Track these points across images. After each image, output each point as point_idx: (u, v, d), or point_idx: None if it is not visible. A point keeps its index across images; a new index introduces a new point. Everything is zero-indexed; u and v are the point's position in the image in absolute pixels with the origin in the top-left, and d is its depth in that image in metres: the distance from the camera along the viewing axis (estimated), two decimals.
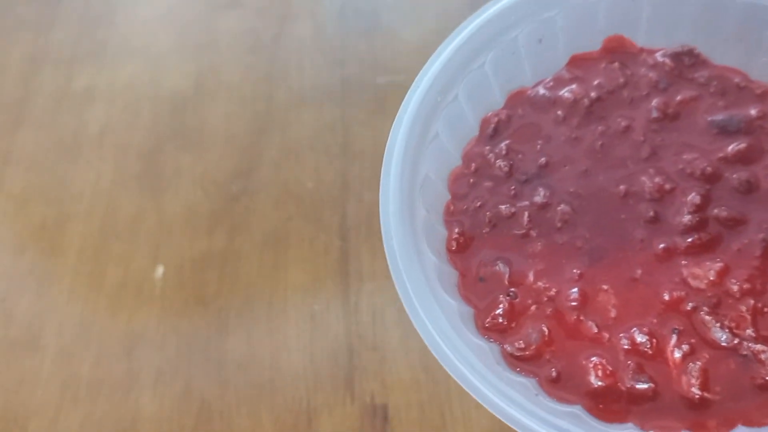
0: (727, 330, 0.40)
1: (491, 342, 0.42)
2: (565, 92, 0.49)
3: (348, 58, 0.72)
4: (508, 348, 0.42)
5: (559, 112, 0.48)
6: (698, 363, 0.40)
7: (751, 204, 0.43)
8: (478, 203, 0.46)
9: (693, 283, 0.42)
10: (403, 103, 0.45)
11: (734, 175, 0.44)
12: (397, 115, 0.45)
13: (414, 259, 0.41)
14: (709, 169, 0.44)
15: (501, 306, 0.43)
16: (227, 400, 0.56)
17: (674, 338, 0.40)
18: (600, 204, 0.45)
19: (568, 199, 0.45)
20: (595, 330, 0.41)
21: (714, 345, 0.40)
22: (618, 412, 0.39)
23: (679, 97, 0.48)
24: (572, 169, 0.46)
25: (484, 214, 0.46)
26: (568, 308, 0.42)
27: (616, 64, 0.49)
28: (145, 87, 0.73)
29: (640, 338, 0.40)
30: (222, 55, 0.74)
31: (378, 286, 0.59)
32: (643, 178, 0.45)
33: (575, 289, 0.42)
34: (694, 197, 0.44)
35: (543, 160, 0.47)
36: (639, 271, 0.42)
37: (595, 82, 0.49)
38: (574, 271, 0.43)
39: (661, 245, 0.43)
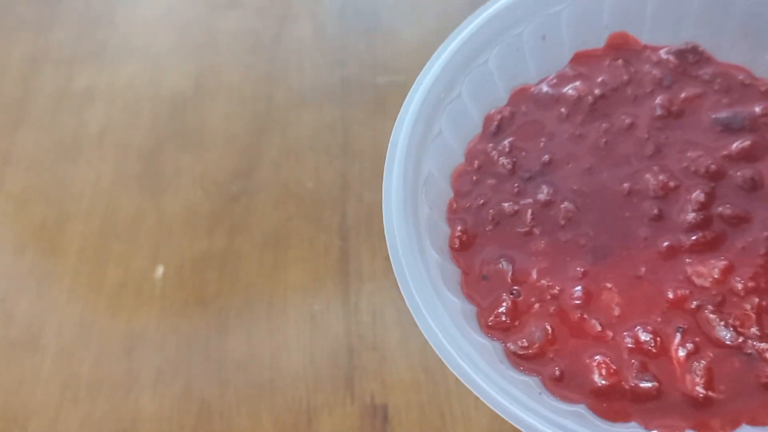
0: (731, 328, 0.40)
1: (494, 340, 0.42)
2: (569, 89, 0.49)
3: (348, 58, 0.72)
4: (511, 346, 0.41)
5: (563, 110, 0.48)
6: (702, 361, 0.39)
7: (756, 202, 0.43)
8: (481, 201, 0.46)
9: (697, 281, 0.41)
10: (406, 100, 0.45)
11: (738, 173, 0.44)
12: (400, 112, 0.45)
13: (417, 256, 0.41)
14: (713, 166, 0.44)
15: (504, 304, 0.42)
16: (227, 400, 0.56)
17: (678, 337, 0.40)
18: (604, 202, 0.45)
19: (572, 197, 0.45)
20: (599, 328, 0.41)
21: (718, 343, 0.40)
22: (622, 411, 0.39)
23: (683, 95, 0.47)
24: (576, 166, 0.46)
25: (487, 211, 0.46)
26: (571, 306, 0.42)
27: (620, 61, 0.49)
28: (145, 87, 0.73)
29: (644, 337, 0.40)
30: (222, 55, 0.74)
31: (378, 286, 0.59)
32: (647, 176, 0.45)
33: (579, 288, 0.42)
34: (698, 195, 0.44)
35: (546, 157, 0.47)
36: (643, 269, 0.42)
37: (599, 80, 0.49)
38: (578, 269, 0.43)
39: (665, 243, 0.43)
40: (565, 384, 0.40)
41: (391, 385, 0.55)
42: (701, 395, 0.39)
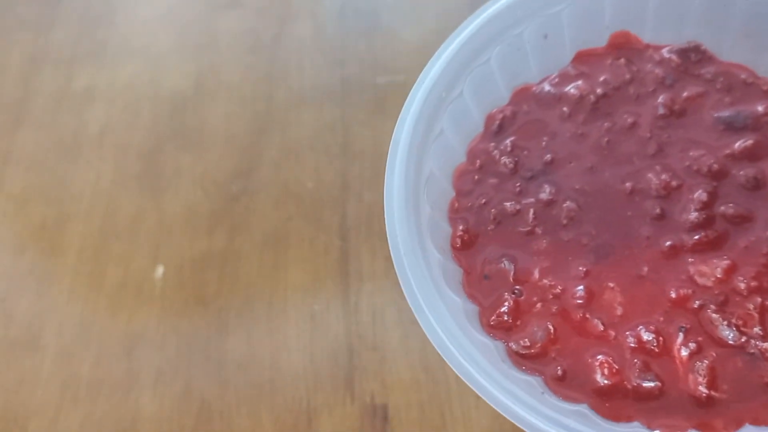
0: (734, 328, 0.40)
1: (496, 340, 0.42)
2: (571, 88, 0.49)
3: (348, 58, 0.72)
4: (514, 346, 0.41)
5: (565, 109, 0.48)
6: (705, 361, 0.39)
7: (758, 201, 0.43)
8: (483, 200, 0.46)
9: (700, 280, 0.41)
10: (407, 100, 0.45)
11: (741, 172, 0.44)
12: (402, 111, 0.45)
13: (418, 256, 0.41)
14: (715, 165, 0.44)
15: (506, 304, 0.42)
16: (227, 400, 0.56)
17: (681, 336, 0.40)
18: (606, 201, 0.45)
19: (574, 196, 0.45)
20: (601, 328, 0.41)
21: (721, 343, 0.40)
22: (624, 411, 0.39)
23: (685, 94, 0.47)
24: (578, 165, 0.46)
25: (489, 211, 0.46)
26: (573, 306, 0.42)
27: (622, 60, 0.49)
28: (145, 87, 0.73)
29: (646, 336, 0.40)
30: (222, 55, 0.74)
31: (378, 286, 0.59)
32: (650, 175, 0.45)
33: (581, 287, 0.42)
34: (700, 194, 0.43)
35: (548, 156, 0.47)
36: (645, 269, 0.42)
37: (601, 79, 0.49)
38: (580, 268, 0.43)
39: (668, 242, 0.43)
40: (568, 383, 0.40)
41: (391, 385, 0.55)
42: (704, 395, 0.39)
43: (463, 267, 0.44)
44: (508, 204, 0.45)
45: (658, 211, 0.44)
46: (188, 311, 0.60)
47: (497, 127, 0.49)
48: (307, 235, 0.62)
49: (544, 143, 0.47)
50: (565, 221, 0.44)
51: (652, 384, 0.39)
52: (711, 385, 0.39)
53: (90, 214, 0.66)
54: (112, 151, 0.69)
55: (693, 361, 0.39)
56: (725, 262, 0.41)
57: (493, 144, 0.48)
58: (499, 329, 0.42)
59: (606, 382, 0.40)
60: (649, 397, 0.39)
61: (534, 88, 0.50)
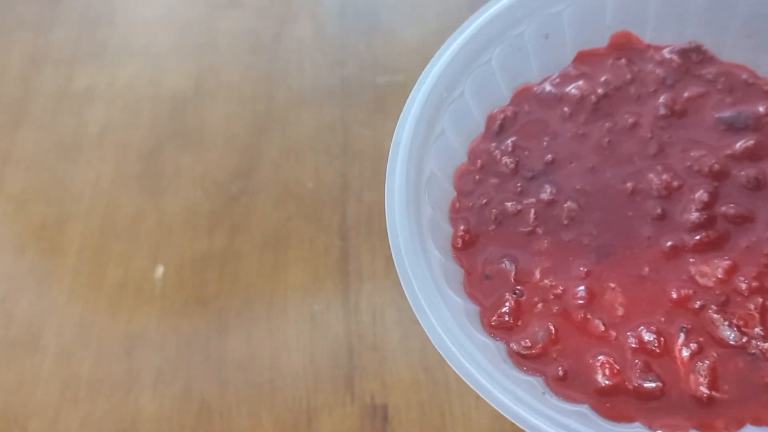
0: (735, 328, 0.40)
1: (497, 340, 0.42)
2: (572, 89, 0.49)
3: (348, 58, 0.72)
4: (515, 346, 0.41)
5: (566, 109, 0.48)
6: (706, 361, 0.39)
7: (760, 201, 0.43)
8: (484, 200, 0.46)
9: (701, 281, 0.41)
10: (408, 99, 0.45)
11: (742, 172, 0.44)
12: (403, 111, 0.45)
13: (419, 256, 0.41)
14: (716, 166, 0.44)
15: (507, 304, 0.42)
16: (227, 400, 0.56)
17: (682, 337, 0.40)
18: (607, 201, 0.45)
19: (575, 196, 0.45)
20: (602, 328, 0.41)
21: (722, 343, 0.40)
22: (625, 411, 0.39)
23: (686, 94, 0.48)
24: (579, 165, 0.46)
25: (490, 211, 0.46)
26: (574, 306, 0.42)
27: (623, 61, 0.49)
28: (145, 87, 0.73)
29: (647, 336, 0.40)
30: (222, 55, 0.74)
31: (378, 286, 0.59)
32: (651, 175, 0.45)
33: (582, 287, 0.42)
34: (701, 194, 0.44)
35: (549, 156, 0.47)
36: (646, 269, 0.42)
37: (602, 79, 0.49)
38: (581, 268, 0.43)
39: (669, 243, 0.43)
40: (569, 384, 0.40)
41: (391, 385, 0.55)
42: (705, 395, 0.39)
43: (464, 267, 0.44)
44: (509, 204, 0.46)
45: (659, 211, 0.44)
46: (188, 311, 0.60)
47: (498, 128, 0.49)
48: (307, 235, 0.62)
49: (545, 143, 0.47)
50: (566, 221, 0.44)
51: (653, 384, 0.39)
52: (712, 385, 0.39)
53: (90, 214, 0.65)
54: (112, 151, 0.69)
55: (694, 361, 0.39)
56: (726, 263, 0.41)
57: (494, 144, 0.48)
58: (500, 329, 0.42)
59: (607, 382, 0.40)
60: (650, 398, 0.39)
61: (535, 88, 0.50)
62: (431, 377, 0.55)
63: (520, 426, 0.36)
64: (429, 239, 0.43)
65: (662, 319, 0.41)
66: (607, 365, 0.40)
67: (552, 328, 0.41)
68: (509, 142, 0.48)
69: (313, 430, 0.54)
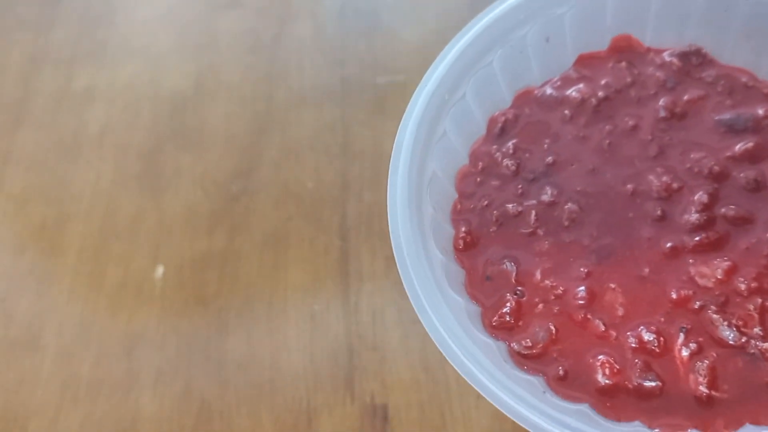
0: (734, 328, 0.40)
1: (498, 340, 0.42)
2: (573, 91, 0.49)
3: (348, 58, 0.72)
4: (515, 346, 0.42)
5: (567, 111, 0.49)
6: (706, 361, 0.40)
7: (759, 202, 0.43)
8: (485, 202, 0.46)
9: (700, 281, 0.42)
10: (410, 101, 0.45)
11: (742, 174, 0.44)
12: (405, 113, 0.45)
13: (421, 257, 0.41)
14: (716, 167, 0.45)
15: (508, 304, 0.43)
16: (227, 400, 0.56)
17: (682, 337, 0.40)
18: (607, 202, 0.45)
19: (576, 198, 0.45)
20: (603, 328, 0.41)
21: (722, 343, 0.40)
22: (625, 410, 0.39)
23: (686, 97, 0.48)
24: (580, 167, 0.46)
25: (491, 212, 0.46)
26: (575, 307, 0.42)
27: (624, 64, 0.50)
28: (145, 87, 0.73)
29: (647, 336, 0.40)
30: (222, 55, 0.74)
31: (378, 286, 0.59)
32: (651, 177, 0.45)
33: (582, 288, 0.42)
34: (701, 196, 0.44)
35: (550, 158, 0.47)
36: (646, 270, 0.43)
37: (603, 82, 0.49)
38: (582, 269, 0.43)
39: (669, 244, 0.43)
40: (569, 383, 0.40)
41: (391, 384, 0.55)
42: (704, 395, 0.39)
43: (465, 268, 0.45)
44: (510, 206, 0.46)
45: (659, 212, 0.44)
46: (188, 311, 0.60)
47: (499, 130, 0.49)
48: (307, 235, 0.62)
49: (546, 145, 0.48)
50: (566, 223, 0.45)
51: (653, 384, 0.40)
52: (711, 385, 0.39)
53: (90, 214, 0.65)
54: (112, 151, 0.69)
55: (694, 361, 0.40)
56: (726, 263, 0.42)
57: (495, 146, 0.48)
58: (501, 330, 0.42)
59: (607, 381, 0.40)
60: (650, 397, 0.39)
61: (536, 91, 0.50)
62: (431, 377, 0.55)
63: (521, 424, 0.36)
64: (431, 240, 0.43)
65: (662, 319, 0.41)
66: (607, 365, 0.40)
67: (553, 328, 0.42)
68: (510, 144, 0.48)
69: (313, 430, 0.54)
